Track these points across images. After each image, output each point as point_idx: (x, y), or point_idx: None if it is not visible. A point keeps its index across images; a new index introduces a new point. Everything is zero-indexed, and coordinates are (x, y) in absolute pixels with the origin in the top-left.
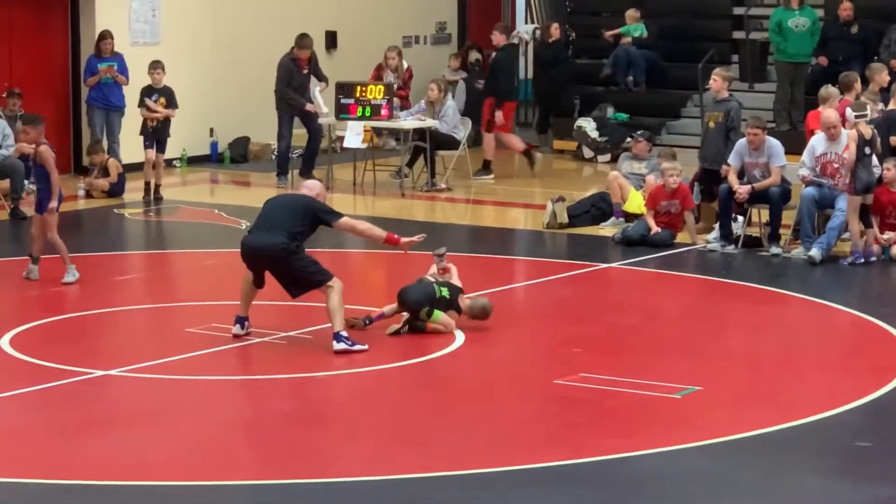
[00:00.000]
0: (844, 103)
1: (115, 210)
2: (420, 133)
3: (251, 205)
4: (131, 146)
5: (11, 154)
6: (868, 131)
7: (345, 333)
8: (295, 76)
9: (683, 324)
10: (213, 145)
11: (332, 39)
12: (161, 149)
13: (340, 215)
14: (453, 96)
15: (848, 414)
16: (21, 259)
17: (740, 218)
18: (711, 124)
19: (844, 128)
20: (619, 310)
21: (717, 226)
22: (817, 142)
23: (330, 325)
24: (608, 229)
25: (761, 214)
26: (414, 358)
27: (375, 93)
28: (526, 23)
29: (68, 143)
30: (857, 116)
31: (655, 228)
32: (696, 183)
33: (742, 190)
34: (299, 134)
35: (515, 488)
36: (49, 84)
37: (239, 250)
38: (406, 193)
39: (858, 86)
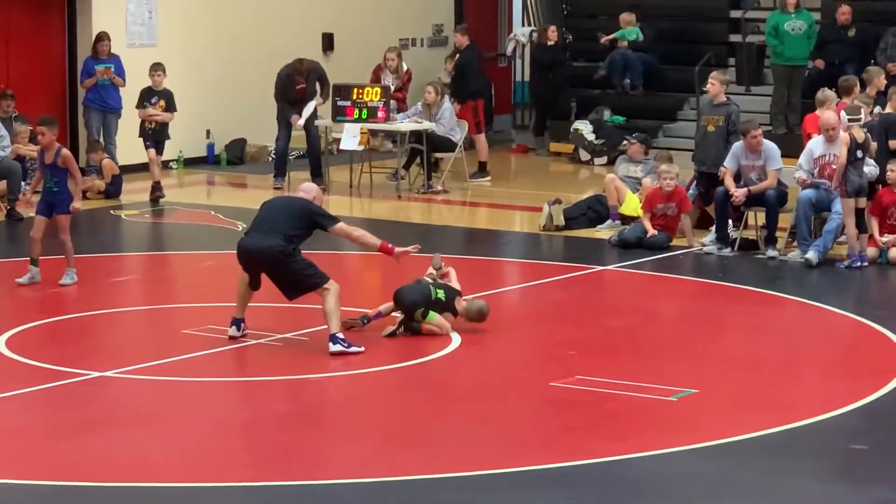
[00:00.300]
0: (842, 106)
1: (111, 211)
2: (416, 135)
3: (247, 206)
4: (128, 148)
5: (7, 155)
6: (860, 135)
7: (341, 335)
8: (288, 89)
9: (680, 326)
10: (210, 147)
11: (328, 41)
12: (159, 150)
13: (337, 220)
14: (450, 99)
15: (844, 417)
16: (19, 260)
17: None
18: (711, 128)
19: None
20: (616, 312)
21: (713, 228)
22: (815, 144)
23: (326, 327)
24: (604, 232)
25: (758, 217)
26: (410, 360)
27: (372, 95)
28: (523, 25)
29: (65, 145)
30: (850, 120)
31: (652, 231)
32: (692, 186)
33: (739, 193)
34: (298, 136)
35: (513, 490)
36: (46, 86)
37: (235, 252)
38: (402, 195)
39: (858, 90)
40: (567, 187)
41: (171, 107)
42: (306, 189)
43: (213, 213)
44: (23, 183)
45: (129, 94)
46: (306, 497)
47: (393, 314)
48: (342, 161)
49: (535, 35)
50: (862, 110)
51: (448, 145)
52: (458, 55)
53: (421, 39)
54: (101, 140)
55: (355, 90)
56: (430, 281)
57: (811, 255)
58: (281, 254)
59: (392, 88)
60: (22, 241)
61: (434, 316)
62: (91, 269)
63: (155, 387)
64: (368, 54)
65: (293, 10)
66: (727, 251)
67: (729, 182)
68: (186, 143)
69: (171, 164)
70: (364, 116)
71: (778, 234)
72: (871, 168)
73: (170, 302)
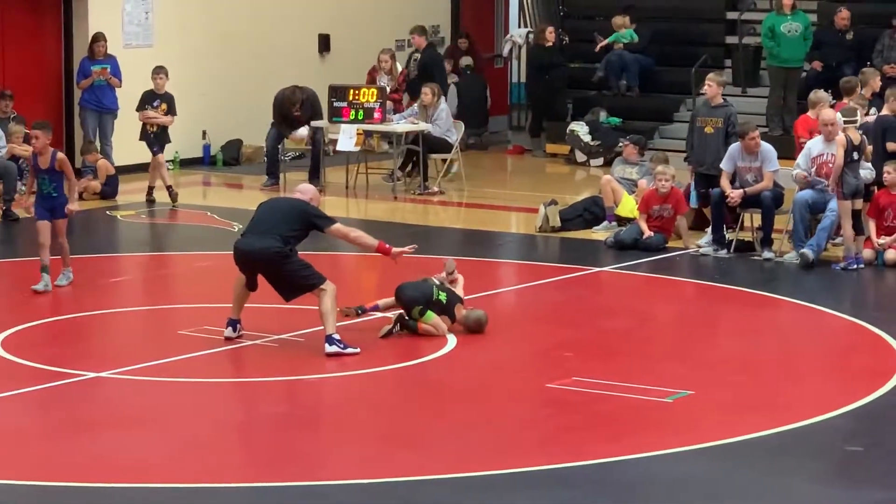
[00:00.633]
0: (840, 107)
1: (107, 212)
2: (413, 136)
3: (243, 207)
4: (124, 148)
5: (3, 156)
6: (857, 136)
7: (337, 336)
8: (284, 111)
9: (676, 328)
10: (206, 148)
11: (325, 42)
12: (160, 150)
13: (333, 221)
14: (446, 99)
15: (840, 418)
16: (14, 261)
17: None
18: (709, 130)
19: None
20: (612, 314)
21: (709, 230)
22: (813, 144)
23: (322, 328)
24: (601, 233)
25: (753, 219)
26: (406, 361)
27: (368, 96)
28: (519, 26)
29: (61, 146)
30: (846, 122)
31: (648, 232)
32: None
33: (734, 194)
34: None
35: (509, 491)
36: (42, 86)
37: (231, 253)
38: (398, 197)
39: (860, 90)
40: (563, 189)
41: (171, 110)
42: (303, 190)
43: (209, 213)
44: (18, 182)
45: (125, 95)
46: (302, 498)
47: (387, 314)
48: (338, 162)
49: (531, 36)
50: (858, 112)
51: (444, 146)
52: (418, 55)
53: None
54: (97, 141)
55: (351, 91)
56: (436, 282)
57: (807, 251)
58: (277, 255)
59: (388, 90)
60: (18, 241)
61: (431, 315)
62: (87, 270)
63: (151, 387)
64: (365, 55)
65: (290, 11)
66: (723, 253)
67: (725, 183)
68: (182, 143)
69: (167, 164)
70: (360, 117)
71: (774, 235)
72: (867, 171)
73: (166, 303)
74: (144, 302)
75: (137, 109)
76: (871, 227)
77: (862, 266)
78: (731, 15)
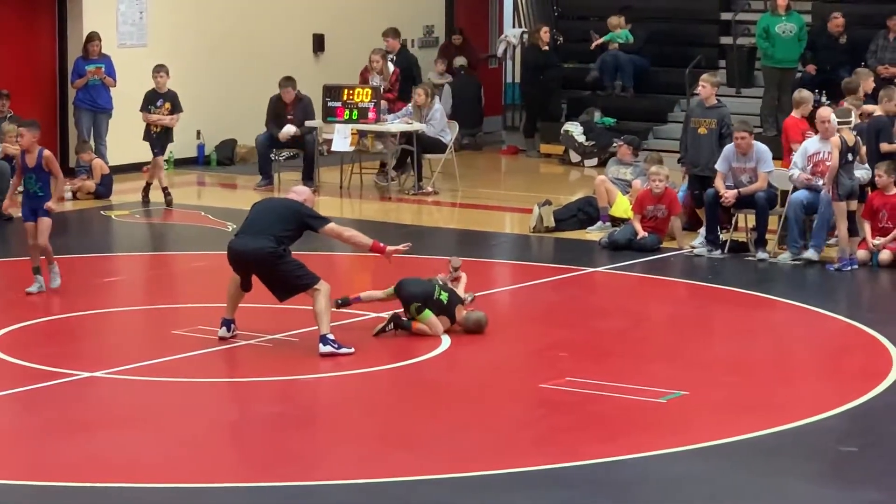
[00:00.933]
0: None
1: (101, 212)
2: (407, 136)
3: (238, 207)
4: (119, 148)
5: None
6: (851, 137)
7: (331, 336)
8: (279, 116)
9: (669, 328)
10: (200, 147)
11: (319, 42)
12: (161, 152)
13: (327, 221)
14: (440, 99)
15: (834, 419)
16: (7, 260)
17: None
18: (703, 130)
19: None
20: (606, 314)
21: (702, 231)
22: (810, 142)
23: (316, 328)
24: (595, 233)
25: (748, 220)
26: (400, 361)
27: (363, 96)
28: (514, 27)
29: (55, 145)
30: (840, 123)
31: (642, 233)
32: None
33: (728, 194)
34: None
35: (503, 491)
36: (36, 85)
37: (225, 253)
38: (393, 197)
39: (861, 91)
40: (557, 189)
41: (176, 108)
42: (298, 191)
43: (203, 213)
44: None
45: (119, 95)
46: (297, 498)
47: (381, 315)
48: (332, 162)
49: (526, 37)
50: (852, 113)
51: (438, 146)
52: (394, 58)
53: (412, 40)
54: (92, 140)
55: (346, 91)
56: (440, 282)
57: (810, 254)
58: (271, 255)
59: (381, 90)
60: (10, 241)
61: (428, 315)
62: (81, 270)
63: (144, 387)
64: (359, 55)
65: (284, 11)
66: (717, 253)
67: (719, 184)
68: (176, 143)
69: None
70: (355, 117)
71: (768, 236)
72: (863, 172)
73: (160, 302)
74: (138, 302)
75: (141, 110)
76: (866, 228)
77: (856, 267)
78: (726, 15)
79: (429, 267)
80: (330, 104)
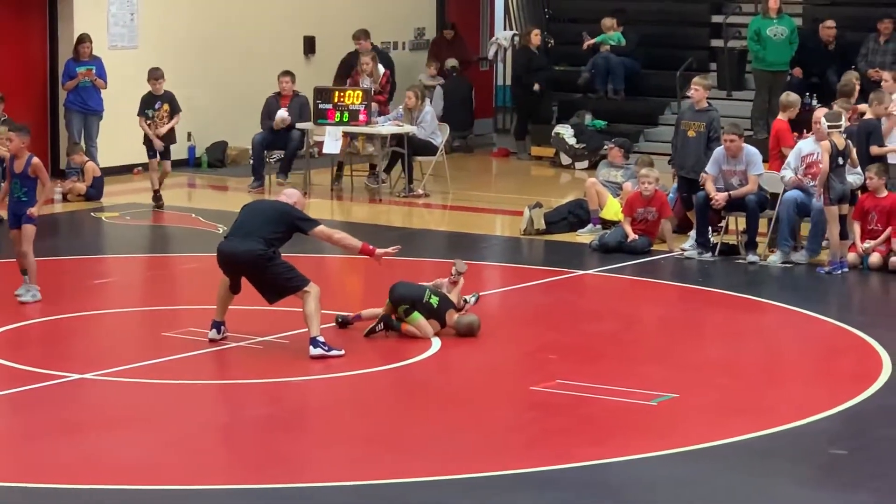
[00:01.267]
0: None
1: (91, 214)
2: (398, 138)
3: (228, 209)
4: (109, 150)
5: None
6: (841, 141)
7: (321, 338)
8: (273, 113)
9: (660, 331)
10: (191, 150)
11: (310, 44)
12: (166, 155)
13: (317, 223)
14: (430, 102)
15: (824, 422)
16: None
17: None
18: (692, 133)
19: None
20: (596, 316)
21: (693, 233)
22: (804, 143)
23: (306, 330)
24: (585, 236)
25: (738, 222)
26: (391, 363)
27: (353, 98)
28: (505, 29)
29: (46, 147)
30: (830, 126)
31: (632, 235)
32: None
33: (719, 197)
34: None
35: (493, 494)
36: (27, 87)
37: (215, 255)
38: (383, 199)
39: (856, 94)
40: (548, 191)
41: (175, 108)
42: (288, 194)
43: (193, 215)
44: (3, 185)
45: (110, 97)
46: (288, 500)
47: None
48: (323, 164)
49: (517, 39)
50: (843, 116)
51: (429, 149)
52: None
53: (403, 43)
54: (83, 142)
55: (336, 93)
56: (432, 286)
57: (800, 255)
58: (260, 258)
59: (372, 92)
60: (2, 244)
61: (417, 317)
62: (72, 272)
63: (135, 389)
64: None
65: (275, 13)
66: (708, 256)
67: (710, 187)
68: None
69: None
70: (346, 119)
71: (758, 239)
72: (856, 176)
73: (150, 304)
74: (129, 304)
75: (139, 114)
76: (857, 231)
77: (846, 270)
78: (717, 18)
79: (419, 269)
80: (321, 106)
